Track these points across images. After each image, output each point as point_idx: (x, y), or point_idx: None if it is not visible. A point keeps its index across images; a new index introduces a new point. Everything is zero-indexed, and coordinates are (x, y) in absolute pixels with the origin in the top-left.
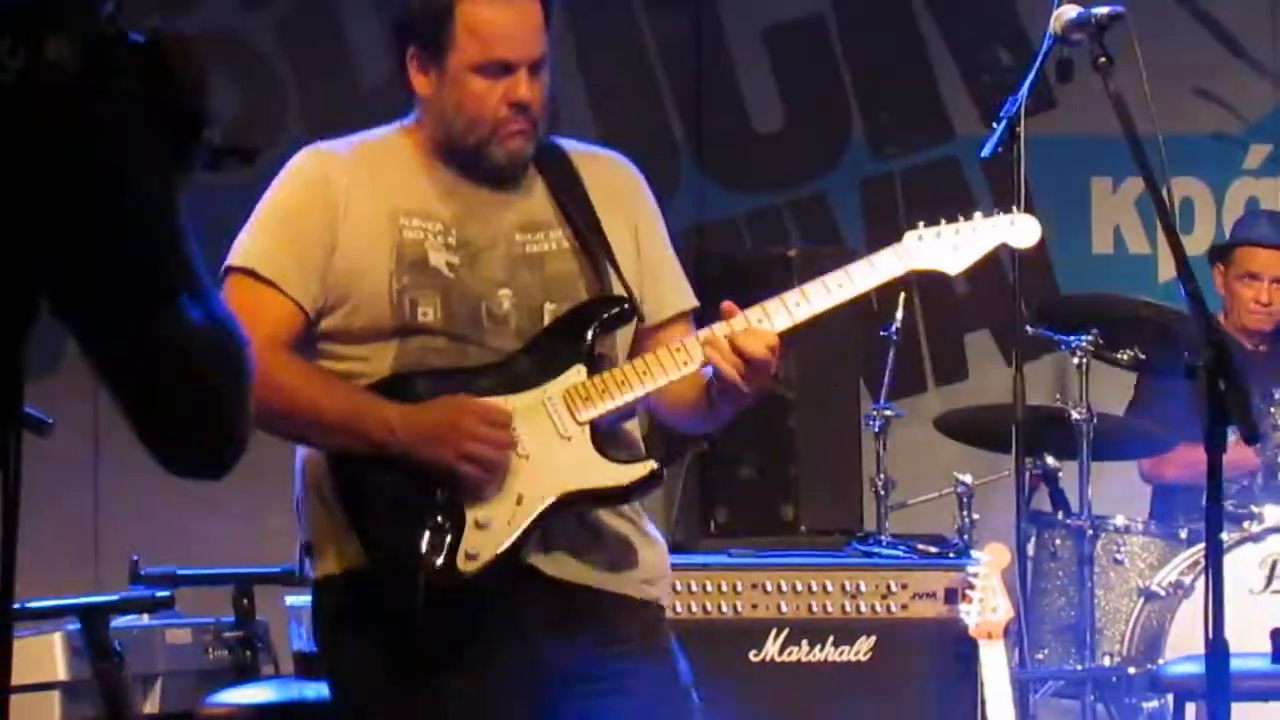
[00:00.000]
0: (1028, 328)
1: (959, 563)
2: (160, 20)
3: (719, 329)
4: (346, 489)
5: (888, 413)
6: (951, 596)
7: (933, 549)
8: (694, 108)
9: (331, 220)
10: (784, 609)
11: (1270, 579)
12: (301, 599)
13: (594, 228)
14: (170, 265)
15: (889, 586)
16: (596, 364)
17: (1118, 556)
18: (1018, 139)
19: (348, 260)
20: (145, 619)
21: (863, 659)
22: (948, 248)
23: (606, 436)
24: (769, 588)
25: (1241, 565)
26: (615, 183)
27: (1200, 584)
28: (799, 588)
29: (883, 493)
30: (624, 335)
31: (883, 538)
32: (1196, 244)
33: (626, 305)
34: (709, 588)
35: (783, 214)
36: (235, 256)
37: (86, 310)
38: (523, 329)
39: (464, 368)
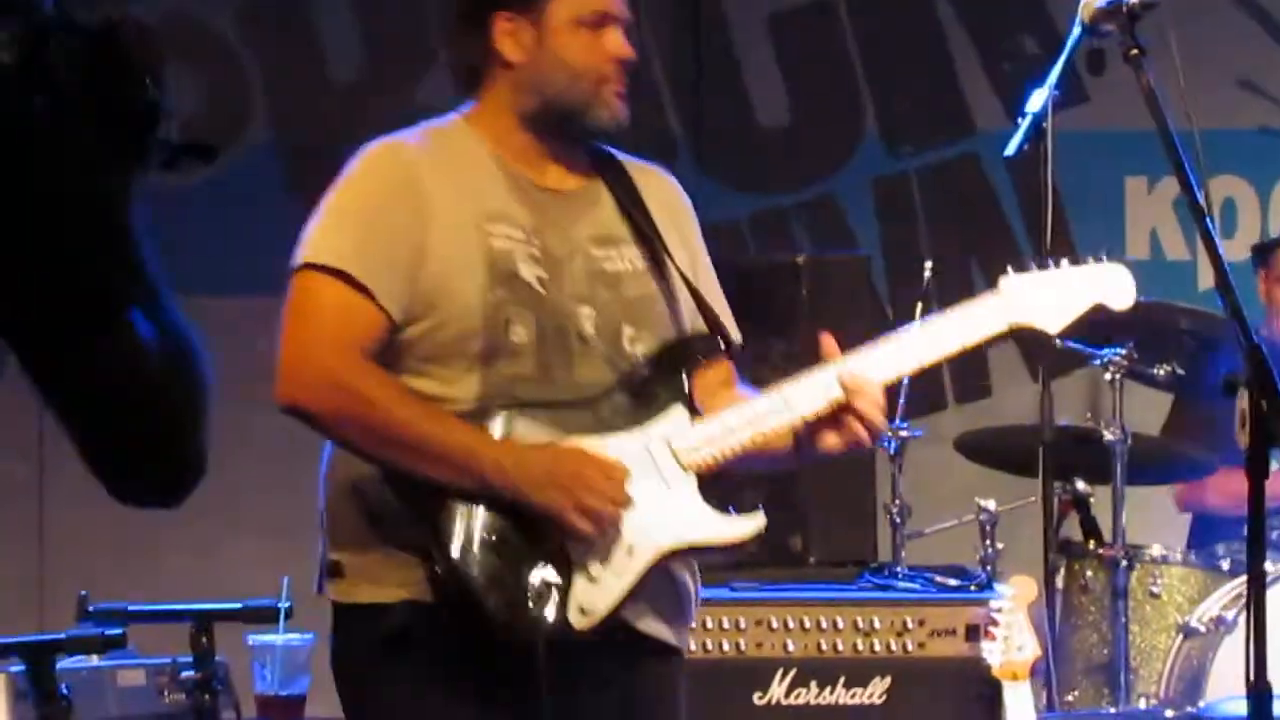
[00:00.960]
0: (1056, 341)
1: (981, 596)
2: (113, 6)
3: (844, 374)
4: (426, 518)
5: (904, 433)
6: (973, 633)
7: (953, 581)
8: (693, 100)
9: (421, 223)
10: (791, 647)
11: None
12: (265, 637)
13: (664, 249)
14: (120, 276)
15: (905, 623)
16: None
17: (1154, 589)
18: (1045, 136)
19: (438, 268)
20: (95, 659)
21: (876, 701)
22: (1048, 303)
23: (710, 484)
24: (775, 624)
25: None
26: (671, 202)
27: (1244, 619)
28: (807, 624)
29: (898, 520)
30: None
31: (898, 569)
32: (1239, 248)
33: (723, 345)
34: (710, 624)
35: (789, 217)
36: (318, 253)
37: (25, 326)
38: (608, 355)
39: (557, 402)
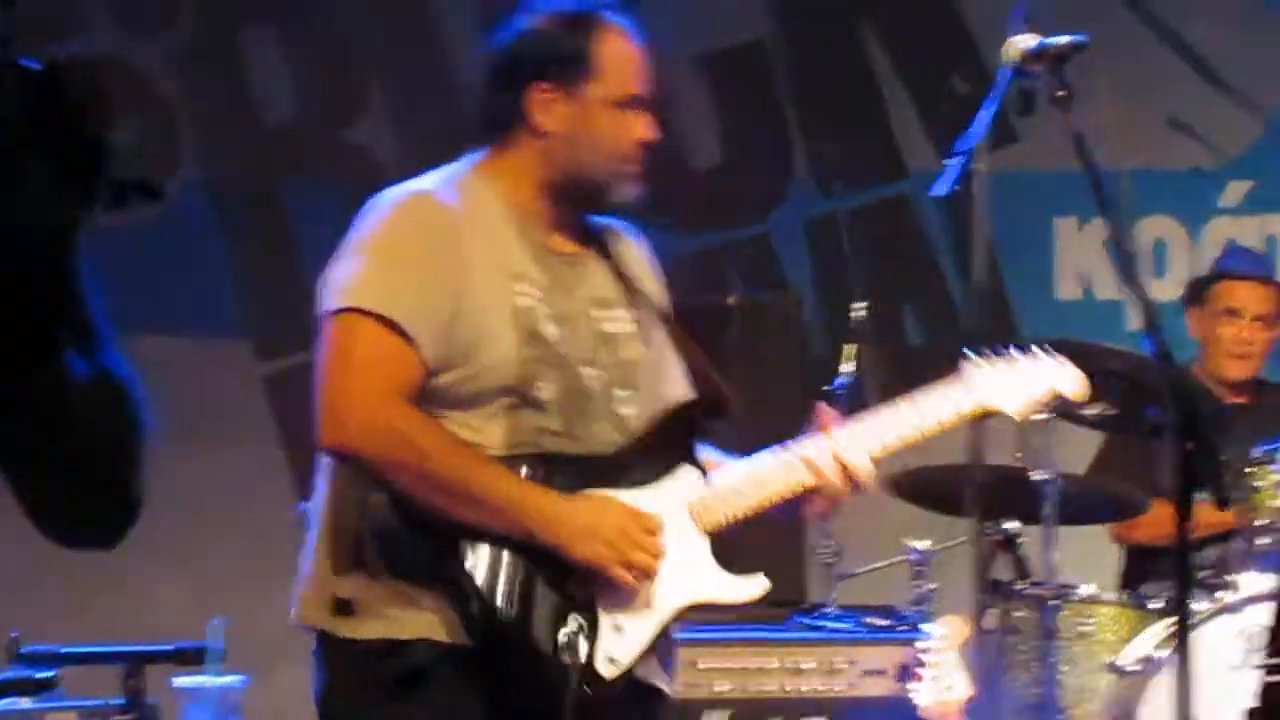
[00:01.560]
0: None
1: (912, 636)
2: (53, 46)
3: (828, 447)
4: (454, 559)
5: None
6: (904, 674)
7: (883, 622)
8: None
9: (460, 274)
10: (721, 688)
11: (1250, 653)
12: (197, 679)
13: (651, 311)
14: (58, 319)
15: (835, 663)
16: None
17: (1085, 629)
18: (974, 176)
19: (473, 320)
20: (25, 702)
21: None
22: (1009, 389)
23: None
24: (704, 665)
25: (1219, 638)
26: (643, 259)
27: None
28: (737, 665)
29: (829, 561)
30: None
31: (829, 610)
32: (1170, 288)
33: (724, 409)
34: None
35: (721, 258)
36: (361, 298)
37: None
38: (611, 413)
39: (578, 456)
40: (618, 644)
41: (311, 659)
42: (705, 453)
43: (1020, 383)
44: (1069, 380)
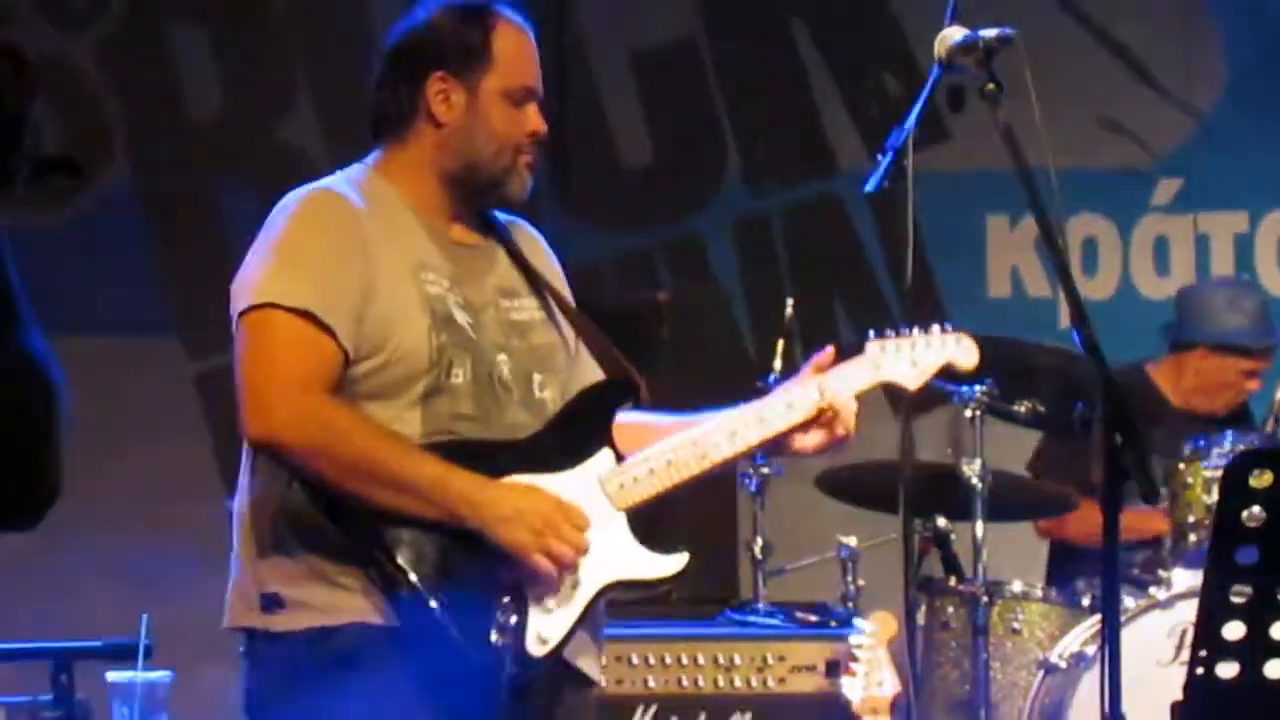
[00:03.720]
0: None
1: (842, 633)
2: None
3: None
4: (379, 546)
5: (765, 470)
6: (833, 669)
7: (813, 618)
8: (555, 138)
9: (367, 265)
10: (652, 684)
11: (1180, 649)
12: (124, 675)
13: (555, 298)
14: None
15: (765, 659)
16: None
17: (1015, 625)
18: (906, 174)
19: (384, 309)
20: None
21: None
22: (907, 363)
23: (635, 522)
24: (635, 661)
25: (1149, 635)
26: (544, 252)
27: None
28: (668, 661)
29: (759, 557)
30: None
31: (759, 606)
32: (1101, 287)
33: (635, 390)
34: None
35: (653, 256)
36: (275, 294)
37: None
38: (524, 399)
39: (494, 442)
40: (547, 623)
41: (241, 661)
42: (635, 416)
43: (917, 357)
44: (963, 352)
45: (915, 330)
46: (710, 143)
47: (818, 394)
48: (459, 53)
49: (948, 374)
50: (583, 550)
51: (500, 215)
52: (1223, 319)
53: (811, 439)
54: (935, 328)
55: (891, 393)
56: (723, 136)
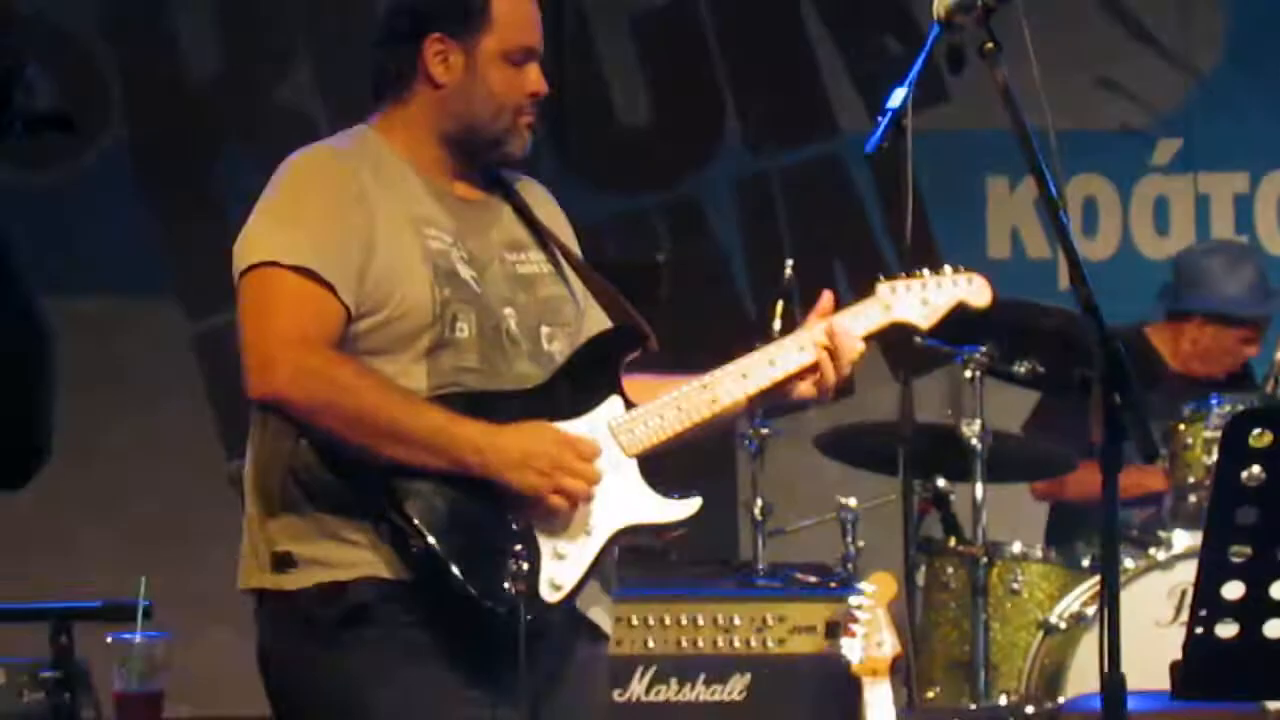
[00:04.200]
0: (916, 339)
1: (841, 594)
2: None
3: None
4: (388, 500)
5: (765, 432)
6: (833, 630)
7: (813, 579)
8: (554, 100)
9: (368, 222)
10: (651, 644)
11: (1179, 610)
12: (124, 636)
13: (563, 251)
14: None
15: (765, 620)
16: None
17: (1014, 586)
18: (905, 134)
19: (387, 264)
20: None
21: (736, 699)
22: (918, 302)
23: (647, 468)
24: (635, 622)
25: (1149, 595)
26: (551, 207)
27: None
28: (667, 621)
29: (759, 519)
30: None
31: (759, 567)
32: (1101, 247)
33: (643, 338)
34: None
35: (652, 218)
36: (276, 252)
37: None
38: (532, 352)
39: (502, 392)
40: (560, 569)
41: (255, 620)
42: (645, 375)
43: (928, 295)
44: (975, 291)
45: (926, 271)
46: (709, 103)
47: (824, 335)
48: (457, 14)
49: (960, 314)
50: (595, 480)
51: (507, 172)
52: (1219, 288)
53: (809, 386)
54: (947, 267)
55: (891, 355)
56: (722, 97)
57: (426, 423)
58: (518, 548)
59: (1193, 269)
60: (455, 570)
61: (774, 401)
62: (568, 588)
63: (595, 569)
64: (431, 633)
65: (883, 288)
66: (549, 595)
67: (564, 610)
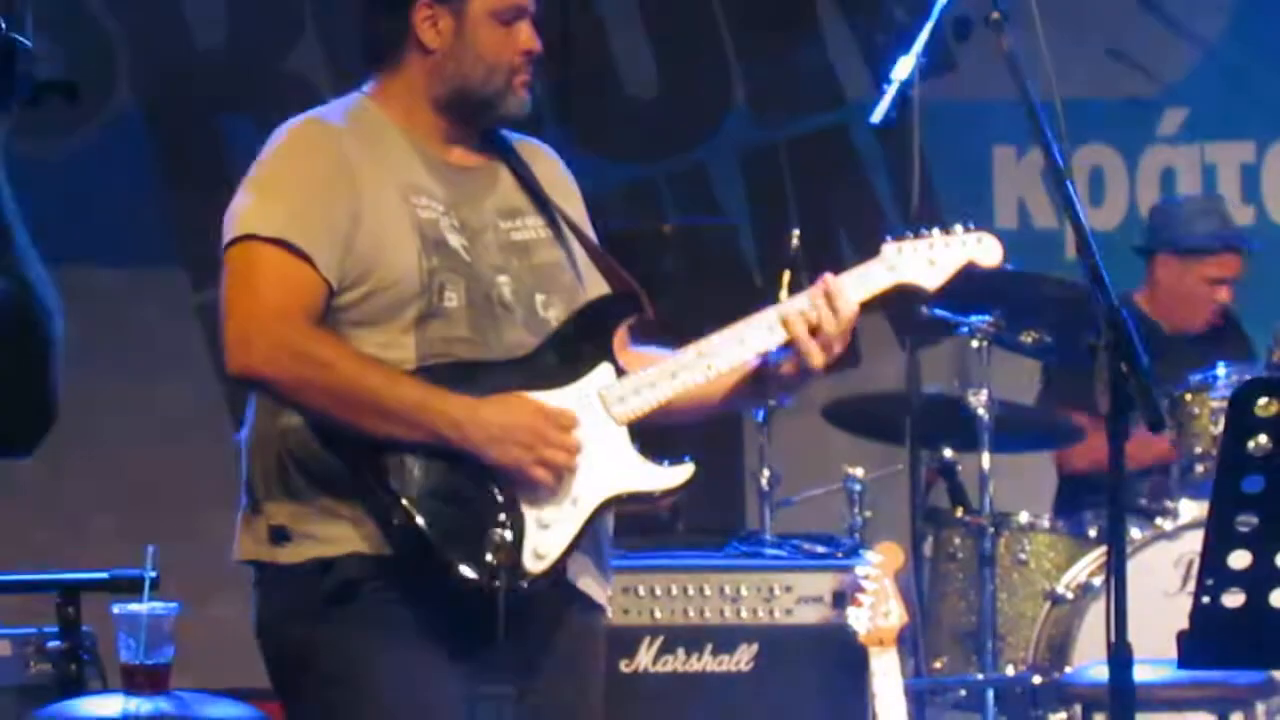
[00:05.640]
0: (923, 309)
1: (848, 563)
2: None
3: (801, 305)
4: (373, 473)
5: (771, 402)
6: (840, 600)
7: (820, 549)
8: (560, 69)
9: (354, 192)
10: (658, 615)
11: (1186, 579)
12: (130, 607)
13: (563, 218)
14: None
15: (772, 590)
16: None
17: (1021, 556)
18: (912, 104)
19: (373, 235)
20: None
21: (743, 668)
22: (924, 262)
23: (638, 436)
24: (642, 592)
25: (1156, 565)
26: (559, 174)
27: None
28: (674, 591)
29: (766, 488)
30: None
31: (766, 537)
32: (1107, 217)
33: (638, 304)
34: None
35: (659, 187)
36: (256, 225)
37: None
38: (526, 320)
39: (491, 361)
40: (544, 539)
41: (252, 592)
42: (645, 351)
43: (935, 255)
44: (985, 251)
45: (935, 230)
46: (716, 73)
47: (820, 291)
48: None
49: (969, 273)
50: (576, 450)
51: (514, 136)
52: (1181, 226)
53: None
54: (957, 227)
55: (897, 324)
56: (729, 67)
57: (405, 396)
58: (501, 518)
59: (1160, 214)
60: (436, 542)
61: (778, 382)
62: (552, 557)
63: (582, 539)
64: (417, 607)
65: (888, 248)
66: (533, 565)
67: (553, 582)
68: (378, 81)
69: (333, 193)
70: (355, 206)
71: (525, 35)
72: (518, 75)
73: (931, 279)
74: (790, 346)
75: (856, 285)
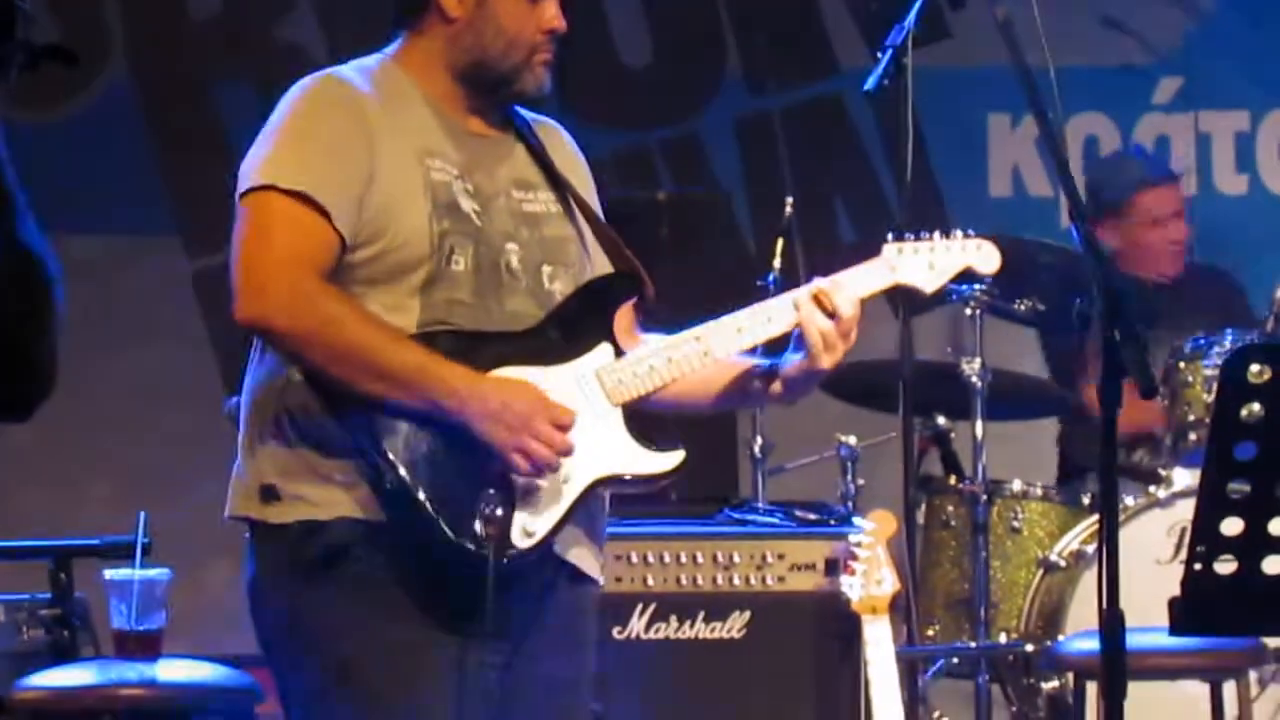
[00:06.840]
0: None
1: (841, 531)
2: None
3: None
4: (368, 437)
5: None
6: (833, 568)
7: (812, 517)
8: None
9: (370, 150)
10: (650, 582)
11: (1179, 547)
12: (122, 573)
13: (575, 195)
14: None
15: (764, 557)
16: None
17: (1015, 524)
18: (906, 72)
19: (386, 195)
20: None
21: (736, 636)
22: (924, 265)
23: (633, 418)
24: (634, 559)
25: (1149, 533)
26: (570, 153)
27: None
28: (667, 559)
29: (759, 456)
30: None
31: (758, 505)
32: None
33: (641, 286)
34: None
35: (652, 155)
36: (274, 176)
37: None
38: (531, 289)
39: (489, 332)
40: (533, 515)
41: (245, 550)
42: (652, 337)
43: (935, 259)
44: (984, 259)
45: (935, 234)
46: (710, 41)
47: (820, 288)
48: None
49: (965, 278)
50: (561, 451)
51: (529, 114)
52: (1107, 189)
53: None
54: (957, 232)
55: (890, 291)
56: (722, 35)
57: (407, 360)
58: (491, 492)
59: (1089, 184)
60: (428, 507)
61: (784, 384)
62: (540, 534)
63: (571, 517)
64: (405, 574)
65: (889, 249)
66: (520, 541)
67: (542, 555)
68: (401, 43)
69: (350, 150)
70: (370, 165)
71: (550, 12)
72: (538, 53)
73: (929, 282)
74: (789, 347)
75: (858, 283)
